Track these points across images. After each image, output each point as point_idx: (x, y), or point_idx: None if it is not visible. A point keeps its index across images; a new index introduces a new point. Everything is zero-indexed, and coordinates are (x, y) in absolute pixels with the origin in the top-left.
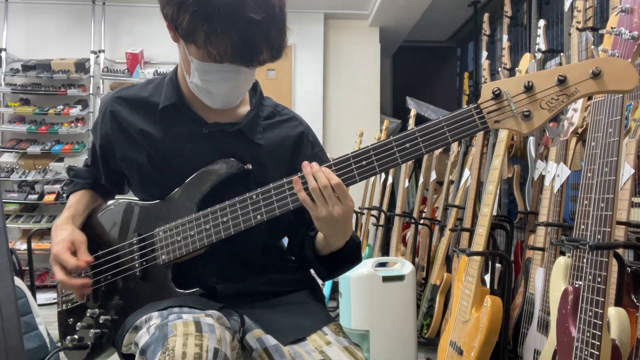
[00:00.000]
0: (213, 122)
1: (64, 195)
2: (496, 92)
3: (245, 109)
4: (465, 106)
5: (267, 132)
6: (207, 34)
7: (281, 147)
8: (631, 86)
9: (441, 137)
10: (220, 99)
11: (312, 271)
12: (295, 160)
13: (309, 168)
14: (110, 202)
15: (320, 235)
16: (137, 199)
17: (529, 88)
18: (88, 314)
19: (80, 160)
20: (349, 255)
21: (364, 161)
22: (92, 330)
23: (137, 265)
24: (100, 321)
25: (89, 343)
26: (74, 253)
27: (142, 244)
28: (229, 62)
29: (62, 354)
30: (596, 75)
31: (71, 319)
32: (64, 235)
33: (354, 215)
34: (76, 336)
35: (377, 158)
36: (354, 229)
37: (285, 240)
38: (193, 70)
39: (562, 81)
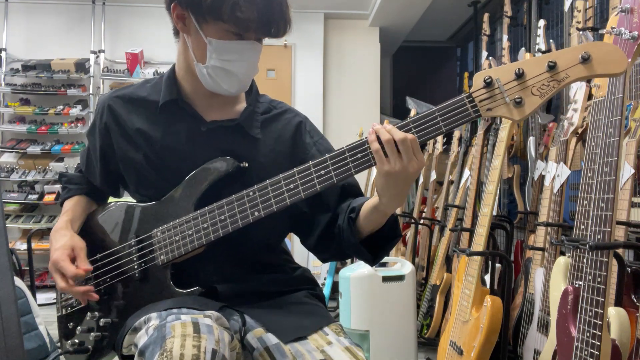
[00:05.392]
0: (211, 121)
1: (59, 203)
2: (487, 81)
3: (242, 105)
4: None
5: (265, 127)
6: (234, 2)
7: (279, 140)
8: (620, 69)
9: (435, 127)
10: (238, 79)
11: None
12: (294, 153)
13: (378, 125)
14: (107, 204)
15: (363, 214)
16: (134, 201)
17: (519, 75)
18: (88, 318)
19: None
20: (390, 231)
21: (359, 154)
22: (92, 334)
23: (136, 267)
24: (101, 324)
25: (89, 346)
26: (74, 260)
27: (141, 246)
28: (254, 31)
29: (62, 358)
30: (585, 59)
31: (71, 323)
32: (64, 241)
33: None
34: (76, 340)
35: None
36: None
37: (285, 241)
38: (210, 53)
39: (552, 67)
